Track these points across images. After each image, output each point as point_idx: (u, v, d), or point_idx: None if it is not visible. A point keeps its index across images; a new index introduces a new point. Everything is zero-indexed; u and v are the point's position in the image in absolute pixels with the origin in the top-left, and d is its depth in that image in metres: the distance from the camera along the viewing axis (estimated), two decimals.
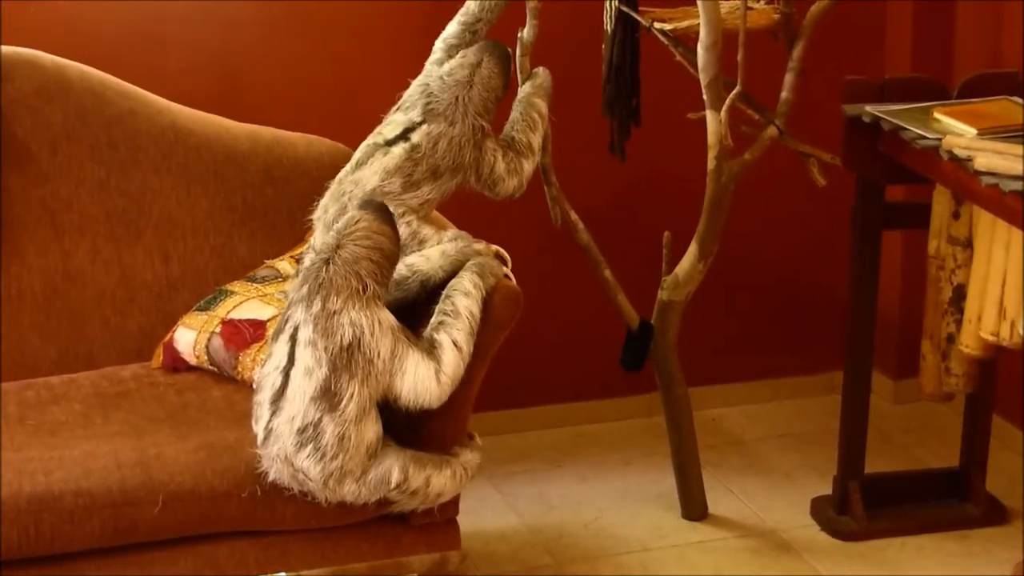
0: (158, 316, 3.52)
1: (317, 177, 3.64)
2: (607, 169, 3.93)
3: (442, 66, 3.33)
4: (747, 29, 3.45)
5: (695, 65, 3.47)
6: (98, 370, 3.45)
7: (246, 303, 3.41)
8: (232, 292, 3.45)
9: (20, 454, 3.02)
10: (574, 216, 3.67)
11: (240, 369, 3.33)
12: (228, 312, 3.39)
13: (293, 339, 2.97)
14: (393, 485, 2.99)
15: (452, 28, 3.40)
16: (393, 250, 3.01)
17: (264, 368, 3.03)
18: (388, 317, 2.96)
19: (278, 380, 2.97)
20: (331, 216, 3.24)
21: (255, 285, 3.46)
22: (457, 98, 3.26)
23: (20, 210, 3.49)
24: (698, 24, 3.41)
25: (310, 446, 2.93)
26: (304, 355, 2.94)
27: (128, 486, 2.97)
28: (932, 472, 4.02)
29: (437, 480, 3.03)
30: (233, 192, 3.61)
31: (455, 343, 3.00)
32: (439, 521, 3.15)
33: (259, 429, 3.01)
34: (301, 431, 2.93)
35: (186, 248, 3.57)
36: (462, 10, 3.41)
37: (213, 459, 3.03)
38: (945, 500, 3.91)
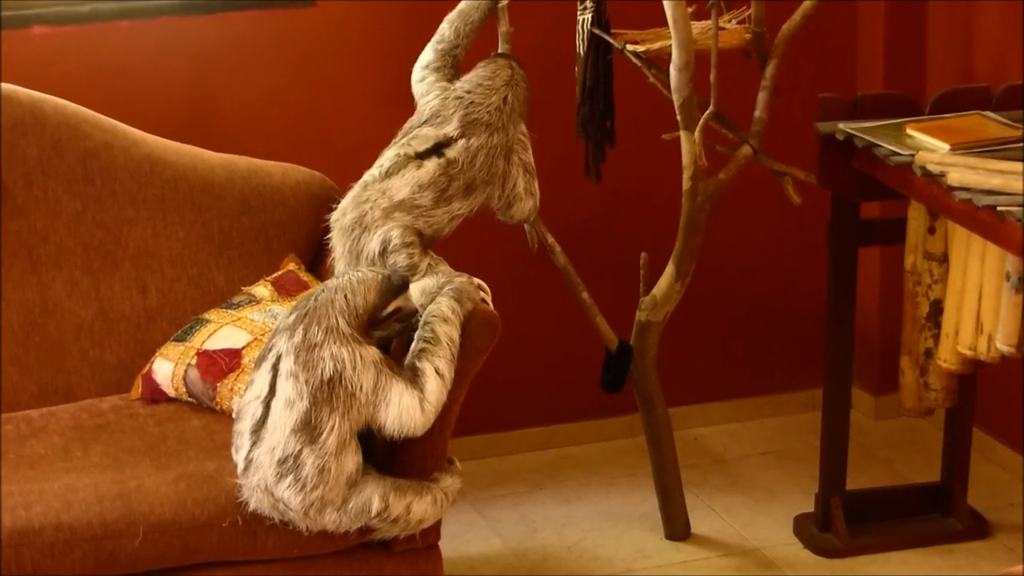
0: (137, 348, 3.51)
1: (294, 205, 3.65)
2: (583, 191, 3.94)
3: (453, 83, 3.32)
4: (719, 49, 3.46)
5: (668, 86, 3.48)
6: (77, 403, 3.44)
7: (220, 330, 3.41)
8: (207, 321, 3.45)
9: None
10: (551, 239, 3.68)
11: (218, 399, 3.33)
12: (203, 342, 3.39)
13: (275, 369, 2.96)
14: (374, 514, 2.98)
15: (429, 55, 3.40)
16: (363, 312, 3.00)
17: (245, 396, 3.03)
18: (371, 351, 2.96)
19: (259, 410, 2.97)
20: (348, 221, 3.23)
21: (230, 312, 3.46)
22: (500, 108, 3.27)
23: None
24: (670, 45, 3.42)
25: (290, 477, 2.93)
26: (285, 386, 2.94)
27: (108, 519, 2.96)
28: (914, 487, 4.03)
29: (418, 507, 3.03)
30: (210, 222, 3.61)
31: (437, 371, 3.00)
32: (421, 547, 3.15)
33: (239, 459, 3.00)
34: (281, 462, 2.93)
35: (164, 279, 3.57)
36: (436, 38, 3.41)
37: (193, 489, 3.03)
38: (927, 515, 3.92)
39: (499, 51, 3.45)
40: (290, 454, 2.92)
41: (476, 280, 3.21)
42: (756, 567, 3.79)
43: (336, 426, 2.92)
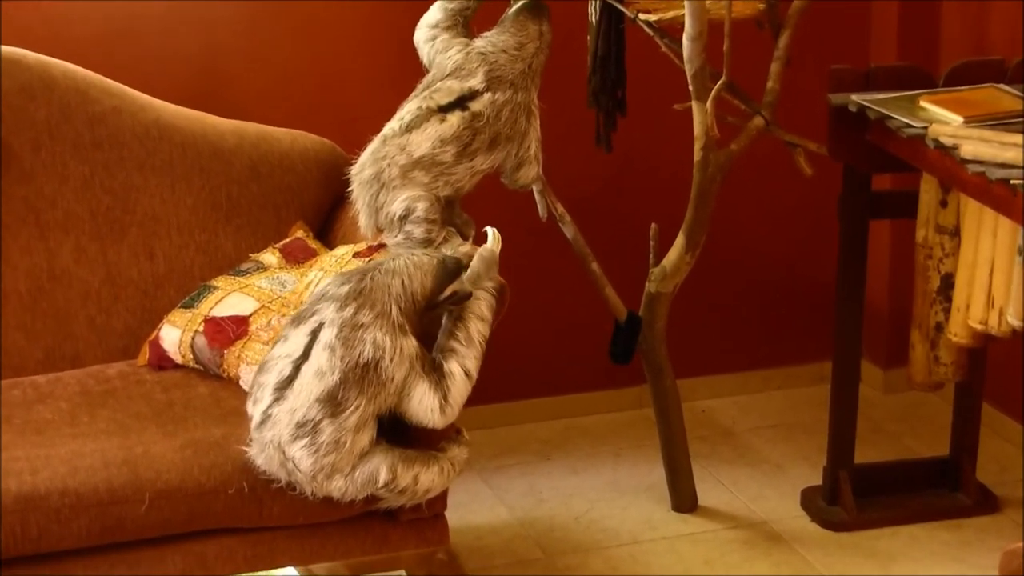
0: (144, 314, 3.51)
1: (302, 172, 3.64)
2: (593, 161, 3.93)
3: (473, 40, 3.28)
4: (732, 19, 3.44)
5: (680, 56, 3.46)
6: (84, 368, 3.43)
7: (228, 297, 3.40)
8: (215, 287, 3.44)
9: (6, 453, 3.00)
10: (561, 209, 3.66)
11: (225, 366, 3.32)
12: (211, 309, 3.38)
13: (314, 334, 2.95)
14: (381, 484, 2.97)
15: (438, 15, 3.34)
16: (421, 298, 3.00)
17: (274, 350, 3.01)
18: (411, 344, 2.96)
19: (287, 369, 2.95)
20: (367, 176, 3.20)
21: (238, 279, 3.45)
22: (525, 72, 3.25)
23: (4, 209, 3.48)
24: (683, 15, 3.40)
25: (306, 439, 2.92)
26: (320, 356, 2.92)
27: (115, 485, 2.95)
28: (922, 461, 4.02)
29: (425, 477, 3.02)
30: (218, 188, 3.60)
31: (466, 373, 3.01)
32: (427, 516, 3.14)
33: (256, 411, 2.98)
34: (300, 424, 2.92)
35: (171, 245, 3.56)
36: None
37: (200, 456, 3.02)
38: (936, 489, 3.91)
39: (528, 1, 3.36)
40: (310, 420, 2.91)
41: (490, 231, 3.16)
42: (763, 540, 3.79)
43: (360, 407, 2.92)
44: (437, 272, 3.02)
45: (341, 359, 2.91)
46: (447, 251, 3.11)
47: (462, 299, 3.04)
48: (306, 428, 2.91)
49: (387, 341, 2.93)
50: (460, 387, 3.00)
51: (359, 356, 2.91)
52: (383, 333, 2.93)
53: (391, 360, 2.93)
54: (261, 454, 2.98)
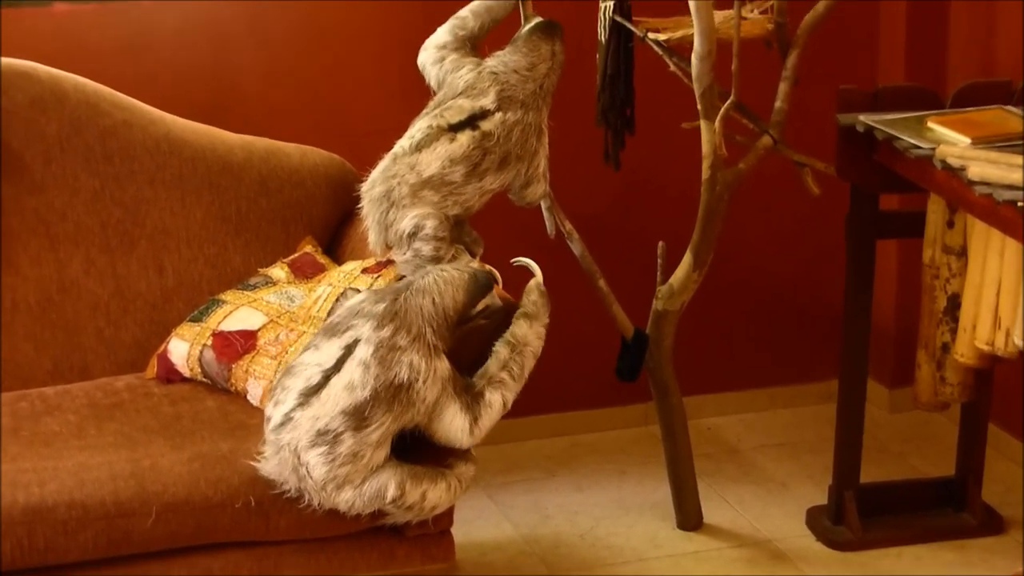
0: (152, 327, 3.52)
1: (311, 188, 3.65)
2: (601, 179, 3.93)
3: (484, 60, 3.30)
4: (741, 39, 3.45)
5: (689, 75, 3.47)
6: (92, 381, 3.44)
7: (236, 311, 3.41)
8: (224, 301, 3.45)
9: (14, 465, 3.02)
10: (569, 226, 3.67)
11: (233, 381, 3.33)
12: (219, 323, 3.39)
13: (348, 350, 2.95)
14: (389, 499, 2.98)
15: (447, 37, 3.37)
16: (453, 313, 3.02)
17: (303, 356, 3.01)
18: (444, 366, 2.98)
19: (316, 377, 2.96)
20: (377, 193, 3.21)
21: (246, 293, 3.46)
22: (542, 86, 3.26)
23: (14, 221, 3.49)
24: (692, 34, 3.41)
25: (325, 447, 2.92)
26: (353, 371, 2.93)
27: (122, 497, 2.96)
28: (928, 481, 4.02)
29: (432, 494, 3.02)
30: (227, 202, 3.61)
31: (504, 404, 3.06)
32: (433, 533, 3.15)
33: (276, 413, 2.99)
34: (321, 432, 2.93)
35: (180, 259, 3.57)
36: (456, 23, 3.38)
37: (207, 470, 3.03)
38: (941, 509, 3.91)
39: (540, 22, 3.39)
40: (332, 430, 2.92)
41: (487, 267, 3.21)
42: (768, 559, 3.78)
43: (385, 425, 2.93)
44: (469, 286, 3.03)
45: (375, 377, 2.92)
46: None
47: (494, 313, 3.06)
48: (326, 437, 2.92)
49: (422, 364, 2.94)
50: (494, 416, 3.04)
51: (394, 377, 2.93)
52: (419, 356, 2.94)
53: (424, 382, 2.94)
54: (275, 456, 2.98)
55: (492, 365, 3.06)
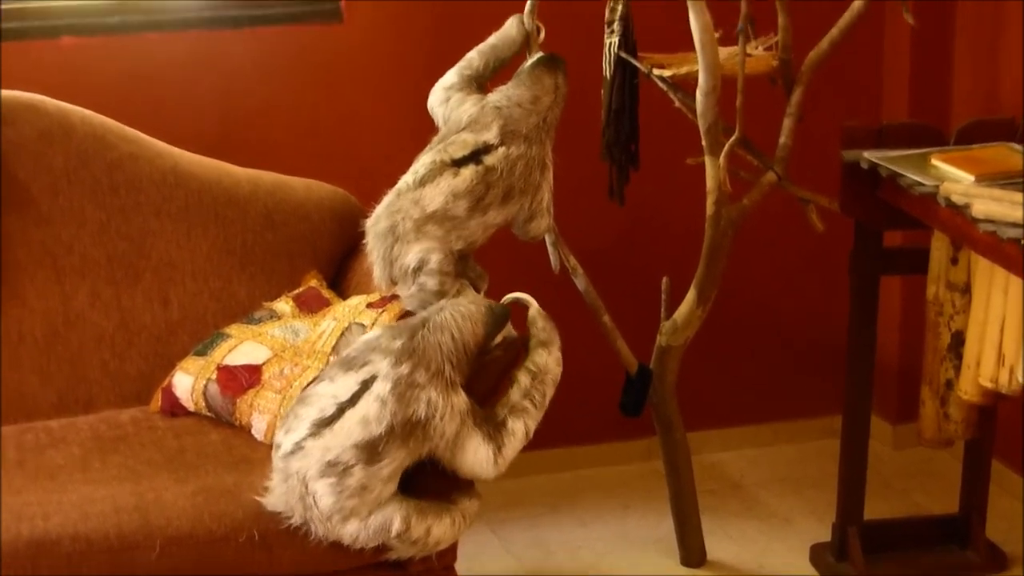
0: (157, 360, 3.52)
1: (317, 222, 3.66)
2: (606, 214, 3.94)
3: (487, 95, 3.32)
4: (746, 75, 3.46)
5: (694, 111, 3.48)
6: (97, 414, 3.44)
7: (241, 345, 3.41)
8: (228, 335, 3.46)
9: (18, 498, 3.01)
10: (573, 261, 3.68)
11: (237, 415, 3.33)
12: (224, 357, 3.39)
13: (365, 385, 2.95)
14: (394, 534, 2.98)
15: (454, 79, 3.38)
16: (474, 347, 3.02)
17: (317, 387, 3.01)
18: (462, 400, 2.98)
19: (330, 409, 2.95)
20: (382, 228, 3.22)
21: (251, 327, 3.47)
22: (545, 119, 3.27)
23: (21, 253, 3.50)
24: (697, 70, 3.42)
25: (333, 478, 2.92)
26: (370, 406, 2.93)
27: (125, 531, 2.96)
28: (932, 518, 4.02)
29: (437, 529, 3.02)
30: (233, 236, 3.62)
31: (527, 432, 3.06)
32: (437, 568, 3.13)
33: (286, 440, 2.98)
34: (331, 464, 2.92)
35: (186, 291, 3.58)
36: (463, 64, 3.40)
37: (211, 503, 3.03)
38: (945, 546, 3.91)
39: (543, 56, 3.41)
40: (342, 462, 2.92)
41: (522, 296, 3.22)
42: None
43: (399, 461, 2.94)
44: (487, 320, 3.03)
45: (392, 414, 2.92)
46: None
47: (509, 344, 3.07)
48: (336, 468, 2.92)
49: (440, 400, 2.94)
50: (517, 444, 3.04)
51: (412, 414, 2.93)
52: (437, 392, 2.94)
53: (442, 418, 2.94)
54: (283, 484, 2.98)
55: (514, 394, 3.07)
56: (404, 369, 2.94)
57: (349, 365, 3.00)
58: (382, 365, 2.95)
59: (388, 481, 2.94)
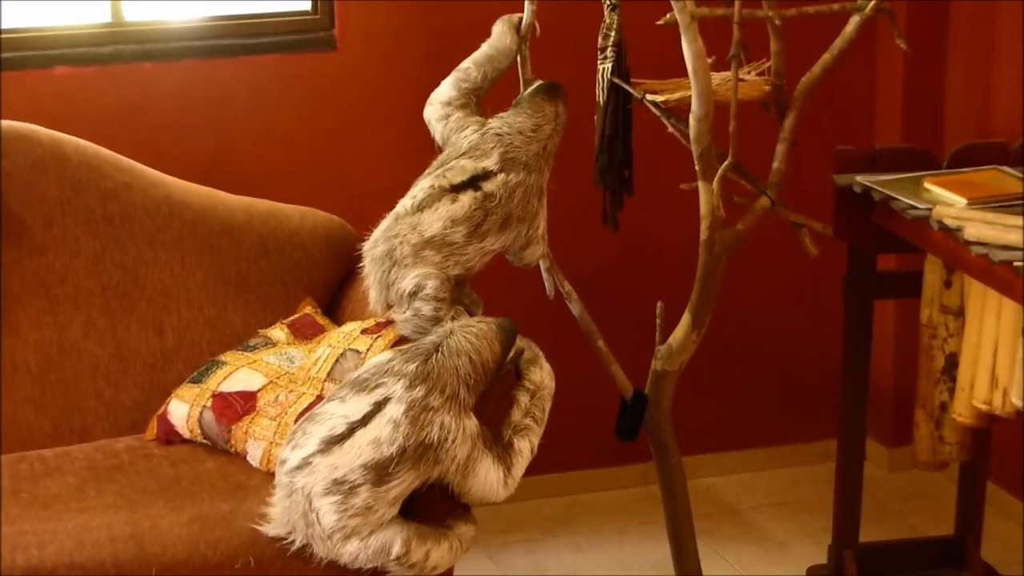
0: (152, 388, 3.52)
1: (311, 249, 3.66)
2: (600, 240, 3.95)
3: (488, 120, 3.32)
4: (739, 100, 3.47)
5: (687, 136, 3.49)
6: (92, 443, 3.44)
7: (236, 372, 3.41)
8: (223, 363, 3.46)
9: (14, 527, 3.01)
10: (568, 286, 3.68)
11: (233, 442, 3.33)
12: (219, 384, 3.39)
13: (378, 406, 2.95)
14: (393, 556, 2.97)
15: (452, 92, 3.37)
16: (493, 366, 3.04)
17: (329, 406, 3.01)
18: (472, 423, 2.99)
19: (340, 428, 2.95)
20: (379, 253, 3.22)
21: (246, 354, 3.47)
22: (539, 154, 3.28)
23: (15, 283, 3.50)
24: (690, 96, 3.42)
25: (338, 497, 2.92)
26: (383, 428, 2.93)
27: (121, 559, 2.96)
28: (927, 540, 4.02)
29: (435, 554, 3.02)
30: (227, 264, 3.62)
31: (532, 449, 3.09)
32: None
33: (293, 455, 2.97)
34: (338, 482, 2.92)
35: (180, 320, 3.58)
36: (459, 76, 3.39)
37: (207, 531, 3.03)
38: (941, 569, 3.90)
39: (543, 84, 3.42)
40: (349, 481, 2.91)
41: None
42: None
43: (407, 483, 2.94)
44: (500, 336, 3.05)
45: (405, 436, 2.92)
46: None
47: (517, 356, 3.09)
48: (342, 487, 2.92)
49: (453, 424, 2.95)
50: (524, 463, 3.07)
51: (425, 437, 2.93)
52: (451, 417, 2.95)
53: (454, 441, 2.95)
54: (286, 499, 2.98)
55: (515, 414, 3.09)
56: (419, 392, 2.94)
57: (361, 386, 3.00)
58: (396, 388, 2.96)
59: (393, 503, 2.94)
